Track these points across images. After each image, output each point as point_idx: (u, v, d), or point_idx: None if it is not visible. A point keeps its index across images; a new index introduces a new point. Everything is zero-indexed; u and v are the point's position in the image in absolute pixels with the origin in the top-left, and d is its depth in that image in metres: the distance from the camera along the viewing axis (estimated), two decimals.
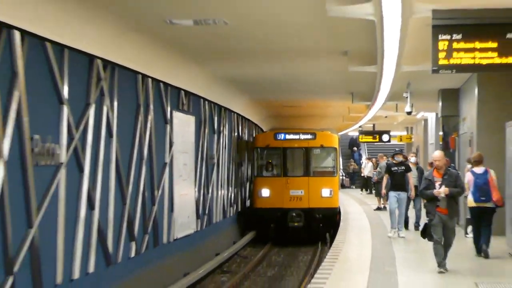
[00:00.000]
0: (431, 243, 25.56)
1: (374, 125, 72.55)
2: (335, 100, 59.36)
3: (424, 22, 19.92)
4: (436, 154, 24.42)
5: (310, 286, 22.19)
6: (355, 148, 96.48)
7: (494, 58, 19.40)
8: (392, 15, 19.44)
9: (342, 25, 24.66)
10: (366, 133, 74.18)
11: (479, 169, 21.90)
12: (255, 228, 58.94)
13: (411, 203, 37.77)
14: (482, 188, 24.82)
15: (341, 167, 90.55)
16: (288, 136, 56.84)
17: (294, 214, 52.80)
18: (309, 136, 56.66)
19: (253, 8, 22.66)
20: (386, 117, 63.91)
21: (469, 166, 30.91)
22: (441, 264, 22.72)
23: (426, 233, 23.58)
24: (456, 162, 39.59)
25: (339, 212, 58.51)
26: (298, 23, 25.47)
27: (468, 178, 28.07)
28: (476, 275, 22.46)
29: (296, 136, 57.03)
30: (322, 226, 54.09)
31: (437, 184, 23.10)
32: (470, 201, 26.56)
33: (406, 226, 36.80)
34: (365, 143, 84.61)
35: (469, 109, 36.90)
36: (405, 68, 30.16)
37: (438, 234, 22.91)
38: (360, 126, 74.14)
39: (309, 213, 53.33)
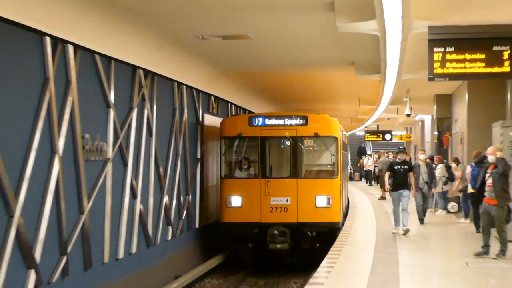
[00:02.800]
0: (428, 234, 25.66)
1: (378, 125, 72.08)
2: (344, 105, 54.64)
3: (421, 36, 19.96)
4: (490, 157, 21.38)
5: (324, 264, 21.48)
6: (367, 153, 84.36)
7: (481, 68, 19.45)
8: (393, 31, 19.56)
9: (350, 39, 24.59)
10: (371, 132, 73.49)
11: (491, 168, 21.57)
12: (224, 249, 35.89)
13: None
14: (476, 178, 24.36)
15: (349, 162, 69.93)
16: (268, 121, 33.17)
17: (276, 232, 30.72)
18: (298, 121, 32.90)
19: (273, 24, 22.67)
20: (388, 119, 63.15)
21: (454, 165, 35.10)
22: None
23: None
24: (449, 158, 39.48)
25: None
26: (312, 37, 25.71)
27: (467, 171, 29.30)
28: (468, 253, 21.80)
29: (280, 121, 33.19)
30: (319, 247, 31.65)
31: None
32: (469, 189, 27.33)
33: (422, 221, 32.29)
34: (370, 141, 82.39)
35: (460, 112, 37.00)
36: (405, 76, 30.45)
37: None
38: (366, 127, 73.64)
39: (298, 231, 31.07)
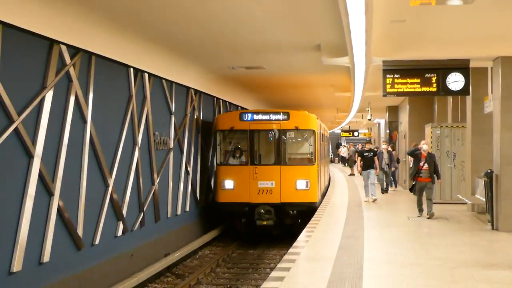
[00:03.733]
0: (386, 200, 25.59)
1: (349, 126, 71.65)
2: (327, 112, 52.33)
3: (378, 67, 19.90)
4: (425, 146, 21.38)
5: (315, 218, 21.45)
6: (342, 145, 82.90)
7: (417, 88, 19.38)
8: (359, 64, 19.44)
9: (331, 71, 24.60)
10: (345, 130, 73.25)
11: (423, 156, 21.36)
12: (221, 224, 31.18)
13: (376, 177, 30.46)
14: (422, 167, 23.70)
15: (331, 151, 67.02)
16: (256, 117, 29.26)
17: (262, 210, 27.09)
18: (281, 117, 28.78)
19: (281, 60, 22.54)
20: (356, 121, 62.83)
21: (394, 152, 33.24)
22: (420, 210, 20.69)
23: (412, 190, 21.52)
24: (397, 149, 39.52)
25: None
26: (305, 67, 25.27)
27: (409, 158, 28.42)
28: (409, 212, 22.06)
29: (266, 117, 29.14)
30: (299, 223, 27.10)
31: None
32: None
33: (387, 190, 32.10)
34: (344, 137, 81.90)
35: (404, 117, 36.76)
36: (367, 94, 30.19)
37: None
38: (341, 127, 73.62)
39: (281, 209, 27.06)
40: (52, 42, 13.12)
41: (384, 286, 11.21)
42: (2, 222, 11.79)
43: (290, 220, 24.50)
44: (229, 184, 24.90)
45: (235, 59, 22.75)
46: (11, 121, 11.65)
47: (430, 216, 19.73)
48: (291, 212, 24.23)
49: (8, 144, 11.70)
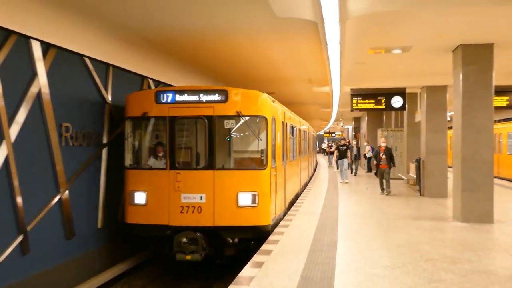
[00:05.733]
0: (355, 181, 25.10)
1: (329, 129, 71.04)
2: (315, 121, 49.94)
3: (348, 92, 19.79)
4: (383, 144, 18.97)
5: (305, 192, 19.34)
6: (324, 142, 78.43)
7: (372, 106, 19.49)
8: (336, 91, 19.47)
9: (318, 95, 23.75)
10: (326, 132, 72.48)
11: (381, 150, 20.62)
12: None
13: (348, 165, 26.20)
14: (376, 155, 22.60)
15: (315, 146, 40.47)
16: (179, 97, 10.54)
17: (184, 239, 10.13)
18: (216, 97, 10.41)
19: (286, 85, 21.34)
20: (334, 127, 62.32)
21: (368, 147, 29.58)
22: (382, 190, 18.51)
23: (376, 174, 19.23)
24: (359, 144, 39.31)
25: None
26: (303, 95, 23.89)
27: (368, 149, 28.06)
28: (367, 183, 22.00)
29: (194, 97, 10.46)
30: (241, 254, 10.50)
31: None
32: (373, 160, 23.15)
33: (356, 173, 28.89)
34: (326, 137, 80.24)
35: (363, 124, 36.29)
36: (341, 109, 29.99)
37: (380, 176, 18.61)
38: (324, 130, 72.91)
39: (215, 236, 10.33)
40: None
41: (351, 229, 11.21)
42: None
43: (231, 251, 10.84)
44: (140, 197, 10.89)
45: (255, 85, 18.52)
46: None
47: (388, 193, 18.25)
48: (231, 241, 10.62)
49: None
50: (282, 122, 12.67)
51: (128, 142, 10.88)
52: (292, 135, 15.52)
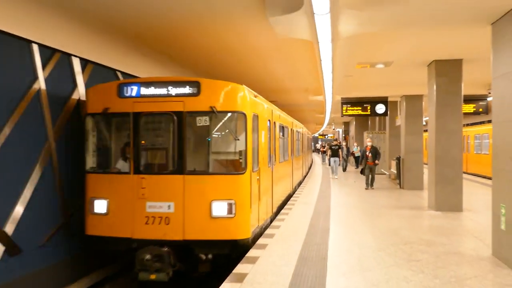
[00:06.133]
0: (342, 175, 24.77)
1: (323, 132, 70.89)
2: (312, 125, 49.84)
3: (338, 100, 19.68)
4: (369, 143, 18.21)
5: (301, 186, 19.15)
6: (318, 143, 76.86)
7: (359, 112, 19.34)
8: (328, 99, 19.37)
9: (313, 103, 23.62)
10: (320, 134, 72.21)
11: (368, 149, 20.22)
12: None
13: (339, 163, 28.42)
14: (363, 154, 21.99)
15: (310, 147, 35.75)
16: (145, 90, 7.07)
17: (148, 256, 6.67)
18: (186, 90, 6.95)
19: (286, 94, 20.71)
20: (327, 130, 61.96)
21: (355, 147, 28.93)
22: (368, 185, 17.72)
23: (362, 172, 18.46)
24: (348, 145, 39.17)
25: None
26: (301, 102, 23.52)
27: (356, 150, 27.84)
28: (355, 178, 21.90)
29: (161, 90, 7.02)
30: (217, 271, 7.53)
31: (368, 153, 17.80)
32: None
33: (345, 169, 27.66)
34: (320, 138, 79.82)
35: (352, 127, 36.11)
36: (332, 115, 29.96)
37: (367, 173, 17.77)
38: (318, 133, 72.52)
39: (185, 252, 6.95)
40: None
41: (341, 216, 11.17)
42: None
43: (206, 267, 7.65)
44: (100, 205, 7.53)
45: None
46: None
47: (372, 188, 17.56)
48: (203, 258, 7.54)
49: None
50: (269, 120, 9.86)
51: (88, 142, 7.85)
52: (283, 135, 12.79)
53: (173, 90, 7.47)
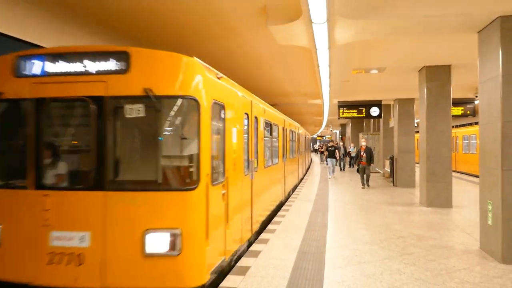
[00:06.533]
0: (338, 174, 24.81)
1: (321, 133, 70.89)
2: (311, 127, 48.86)
3: (335, 104, 19.68)
4: (363, 143, 17.39)
5: (304, 181, 19.43)
6: (316, 144, 76.77)
7: (355, 115, 19.19)
8: (326, 103, 19.29)
9: (313, 106, 23.38)
10: (318, 136, 72.17)
11: (362, 149, 19.90)
12: None
13: (336, 162, 27.59)
14: (357, 154, 20.24)
15: (308, 147, 30.20)
16: (51, 67, 3.43)
17: None
18: (109, 65, 3.47)
19: (288, 98, 21.01)
20: (324, 131, 61.88)
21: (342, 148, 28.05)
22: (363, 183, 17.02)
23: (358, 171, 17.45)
24: (347, 146, 39.09)
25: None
26: (301, 103, 23.21)
27: (352, 150, 27.67)
28: (351, 177, 22.06)
29: (76, 66, 3.40)
30: None
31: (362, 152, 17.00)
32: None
33: (343, 169, 27.08)
34: (318, 139, 79.80)
35: (348, 129, 36.14)
36: (330, 117, 29.84)
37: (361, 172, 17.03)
38: (316, 134, 72.39)
39: None
40: None
41: (338, 212, 11.13)
42: None
43: None
44: None
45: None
46: None
47: (367, 186, 17.02)
48: None
49: None
50: (247, 114, 6.92)
51: None
52: (271, 135, 10.00)
53: (92, 66, 4.50)
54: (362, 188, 17.00)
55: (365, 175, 17.22)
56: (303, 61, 11.80)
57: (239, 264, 6.48)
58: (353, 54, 10.08)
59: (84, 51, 4.59)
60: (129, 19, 7.32)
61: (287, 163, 12.82)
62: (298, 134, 17.78)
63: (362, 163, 17.24)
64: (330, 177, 21.43)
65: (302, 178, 20.83)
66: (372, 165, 17.25)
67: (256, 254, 7.07)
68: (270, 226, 9.27)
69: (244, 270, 6.18)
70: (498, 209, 6.89)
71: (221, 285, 5.45)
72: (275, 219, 10.11)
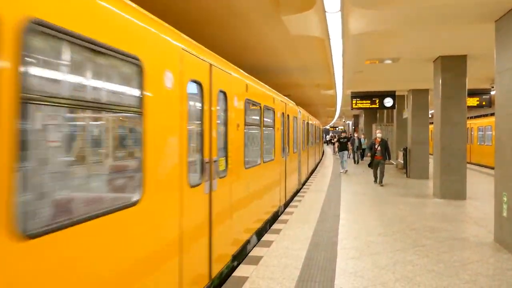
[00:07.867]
0: (350, 167, 24.90)
1: (334, 124, 70.78)
2: (323, 117, 48.37)
3: (348, 94, 19.73)
4: (379, 135, 15.61)
5: (315, 173, 19.57)
6: (329, 135, 74.60)
7: (368, 105, 19.35)
8: (339, 93, 19.41)
9: (327, 98, 23.48)
10: (331, 126, 72.19)
11: (377, 141, 19.07)
12: None
13: (349, 155, 26.65)
14: (371, 147, 20.56)
15: (318, 139, 27.49)
16: None
17: None
18: None
19: (300, 91, 21.35)
20: (337, 122, 61.87)
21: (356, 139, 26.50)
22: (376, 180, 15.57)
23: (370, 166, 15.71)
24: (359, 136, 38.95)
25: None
26: (314, 96, 23.20)
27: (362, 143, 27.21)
28: (364, 169, 22.08)
29: None
30: None
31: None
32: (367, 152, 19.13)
33: (357, 162, 25.52)
34: (330, 130, 79.60)
35: (361, 120, 36.23)
36: (343, 108, 29.92)
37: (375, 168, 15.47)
38: (329, 125, 72.42)
39: None
40: None
41: (350, 203, 11.15)
42: None
43: None
44: None
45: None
46: None
47: (382, 184, 15.27)
48: None
49: None
50: (223, 92, 5.14)
51: None
52: (261, 122, 7.63)
53: None
54: (374, 183, 15.75)
55: (378, 171, 15.49)
56: (316, 51, 11.74)
57: (251, 254, 6.54)
58: (367, 44, 10.01)
59: None
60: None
61: (288, 160, 10.83)
62: (306, 123, 16.34)
63: (376, 157, 15.54)
64: (342, 171, 19.89)
65: (310, 175, 18.83)
66: (387, 161, 15.90)
67: (268, 244, 7.12)
68: (282, 217, 9.31)
69: (256, 260, 6.24)
70: None
71: (233, 274, 5.66)
72: (287, 209, 10.10)
